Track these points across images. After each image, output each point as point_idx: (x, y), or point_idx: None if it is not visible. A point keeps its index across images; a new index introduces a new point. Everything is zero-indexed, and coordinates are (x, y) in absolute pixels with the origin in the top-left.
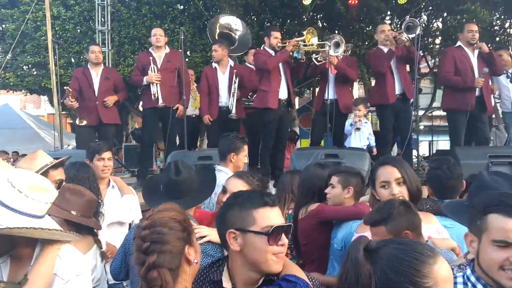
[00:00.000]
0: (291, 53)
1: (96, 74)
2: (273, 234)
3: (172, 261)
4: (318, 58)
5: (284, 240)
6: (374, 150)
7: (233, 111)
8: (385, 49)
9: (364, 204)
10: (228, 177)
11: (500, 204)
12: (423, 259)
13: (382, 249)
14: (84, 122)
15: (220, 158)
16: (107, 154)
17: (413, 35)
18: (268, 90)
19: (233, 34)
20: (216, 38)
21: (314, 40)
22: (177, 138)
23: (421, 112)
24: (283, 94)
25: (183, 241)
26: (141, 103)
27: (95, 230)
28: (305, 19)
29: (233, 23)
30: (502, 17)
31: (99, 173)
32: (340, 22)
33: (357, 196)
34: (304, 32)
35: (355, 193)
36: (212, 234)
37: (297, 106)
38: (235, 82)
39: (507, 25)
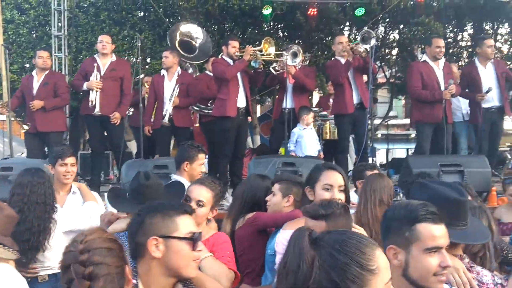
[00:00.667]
0: (249, 62)
1: (38, 80)
2: (194, 240)
3: (119, 282)
4: (276, 67)
5: (201, 246)
6: (321, 154)
7: (166, 118)
8: (343, 60)
9: (299, 210)
10: (188, 185)
11: (426, 213)
12: (367, 243)
13: (326, 236)
14: (26, 128)
15: (176, 167)
16: (70, 160)
17: (368, 46)
18: (226, 99)
19: (194, 42)
20: (176, 45)
21: (272, 50)
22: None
23: (378, 121)
24: (241, 102)
25: (122, 260)
26: None
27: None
28: (266, 29)
29: (194, 31)
30: (455, 30)
31: (60, 179)
32: (300, 32)
33: (297, 205)
34: (262, 42)
35: (295, 202)
36: None
37: (258, 114)
38: (174, 89)
39: (459, 37)
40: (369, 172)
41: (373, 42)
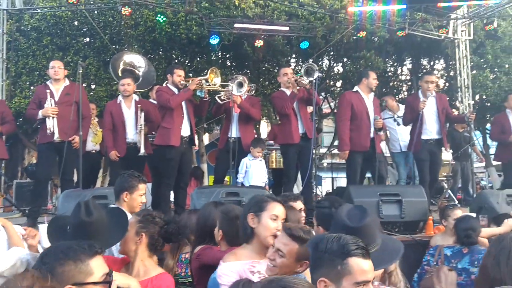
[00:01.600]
0: (194, 92)
1: None
2: (110, 283)
3: None
4: (222, 97)
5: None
6: (267, 187)
7: (142, 149)
8: (288, 91)
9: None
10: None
11: (357, 248)
12: None
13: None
14: None
15: (115, 198)
16: None
17: (312, 78)
18: (170, 128)
19: (137, 71)
20: (119, 73)
21: (217, 80)
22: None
23: (324, 150)
24: (185, 131)
25: None
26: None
27: None
28: (214, 58)
29: (136, 61)
30: (395, 64)
31: None
32: (247, 62)
33: (226, 239)
34: (207, 72)
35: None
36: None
37: (206, 142)
38: (140, 117)
39: (399, 71)
40: (291, 202)
41: (316, 75)
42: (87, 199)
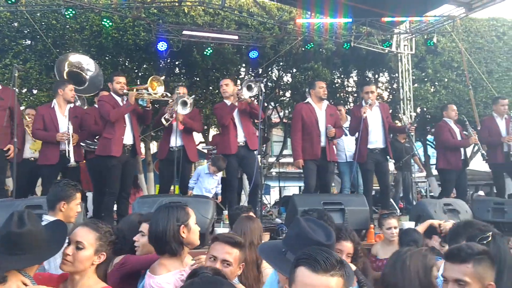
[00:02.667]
0: (135, 105)
1: None
2: None
3: None
4: (166, 116)
5: None
6: (219, 197)
7: (72, 159)
8: (229, 103)
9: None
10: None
11: (309, 258)
12: None
13: None
14: None
15: (48, 207)
16: None
17: (251, 94)
18: (111, 138)
19: (84, 74)
20: (65, 77)
21: (160, 89)
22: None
23: (273, 159)
24: (128, 139)
25: None
26: None
27: None
28: (162, 65)
29: (85, 62)
30: (342, 76)
31: None
32: (196, 70)
33: None
34: (148, 80)
35: None
36: None
37: (153, 151)
38: (68, 128)
39: (345, 83)
40: (244, 214)
41: (256, 90)
42: (22, 209)
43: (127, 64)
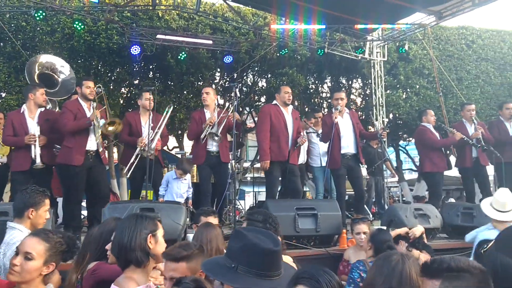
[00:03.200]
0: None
1: None
2: None
3: None
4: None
5: None
6: (190, 201)
7: (37, 160)
8: (208, 114)
9: None
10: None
11: (311, 278)
12: None
13: None
14: None
15: (15, 214)
16: None
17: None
18: (72, 147)
19: (56, 76)
20: (36, 79)
21: (111, 130)
22: None
23: (247, 164)
24: (91, 146)
25: None
26: None
27: None
28: (136, 69)
29: (59, 64)
30: (316, 82)
31: None
32: (170, 74)
33: None
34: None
35: None
36: None
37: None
38: (36, 130)
39: (320, 89)
40: (203, 218)
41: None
42: None
43: (99, 67)
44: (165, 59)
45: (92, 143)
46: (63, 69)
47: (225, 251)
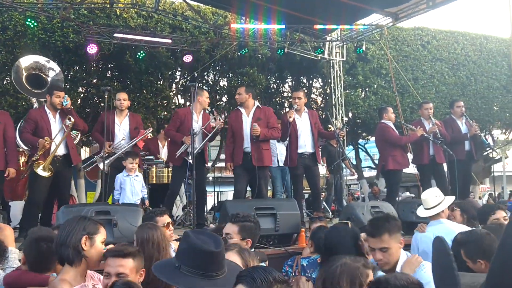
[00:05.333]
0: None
1: None
2: None
3: None
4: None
5: None
6: (146, 201)
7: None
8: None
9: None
10: None
11: (247, 276)
12: None
13: None
14: None
15: None
16: None
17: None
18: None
19: (44, 76)
20: (24, 82)
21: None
22: None
23: (209, 164)
24: (59, 151)
25: None
26: None
27: None
28: (94, 68)
29: (42, 60)
30: (277, 81)
31: None
32: (129, 73)
33: None
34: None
35: None
36: None
37: (84, 156)
38: None
39: (281, 88)
40: (159, 217)
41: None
42: None
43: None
44: (123, 58)
45: (60, 148)
46: (52, 65)
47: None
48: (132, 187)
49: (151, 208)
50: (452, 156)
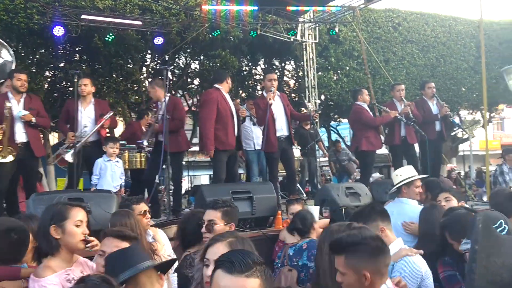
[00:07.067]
0: None
1: None
2: None
3: None
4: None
5: None
6: (122, 189)
7: None
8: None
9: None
10: None
11: (225, 260)
12: None
13: None
14: None
15: None
16: None
17: None
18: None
19: None
20: None
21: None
22: None
23: None
24: (20, 138)
25: None
26: None
27: None
28: (61, 51)
29: None
30: (250, 64)
31: None
32: (98, 56)
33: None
34: None
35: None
36: None
37: (55, 141)
38: None
39: (253, 71)
40: (135, 205)
41: None
42: None
43: (19, 49)
44: (91, 41)
45: (20, 135)
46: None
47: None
48: (113, 172)
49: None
50: (424, 136)
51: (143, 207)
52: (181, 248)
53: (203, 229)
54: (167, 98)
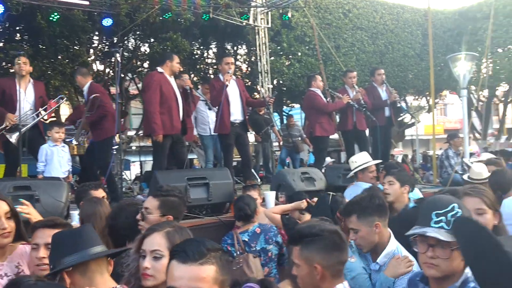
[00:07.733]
0: None
1: None
2: None
3: None
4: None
5: None
6: (70, 176)
7: None
8: None
9: None
10: None
11: (179, 250)
12: None
13: None
14: None
15: None
16: None
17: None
18: None
19: None
20: None
21: None
22: None
23: (132, 133)
24: None
25: None
26: None
27: None
28: (0, 29)
29: None
30: (201, 47)
31: None
32: (41, 37)
33: None
34: None
35: None
36: None
37: None
38: None
39: (205, 55)
40: (93, 191)
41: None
42: None
43: None
44: (34, 20)
45: None
46: None
47: None
48: (60, 157)
49: (73, 182)
50: (375, 122)
51: (101, 193)
52: (113, 246)
53: (138, 215)
54: (87, 86)
